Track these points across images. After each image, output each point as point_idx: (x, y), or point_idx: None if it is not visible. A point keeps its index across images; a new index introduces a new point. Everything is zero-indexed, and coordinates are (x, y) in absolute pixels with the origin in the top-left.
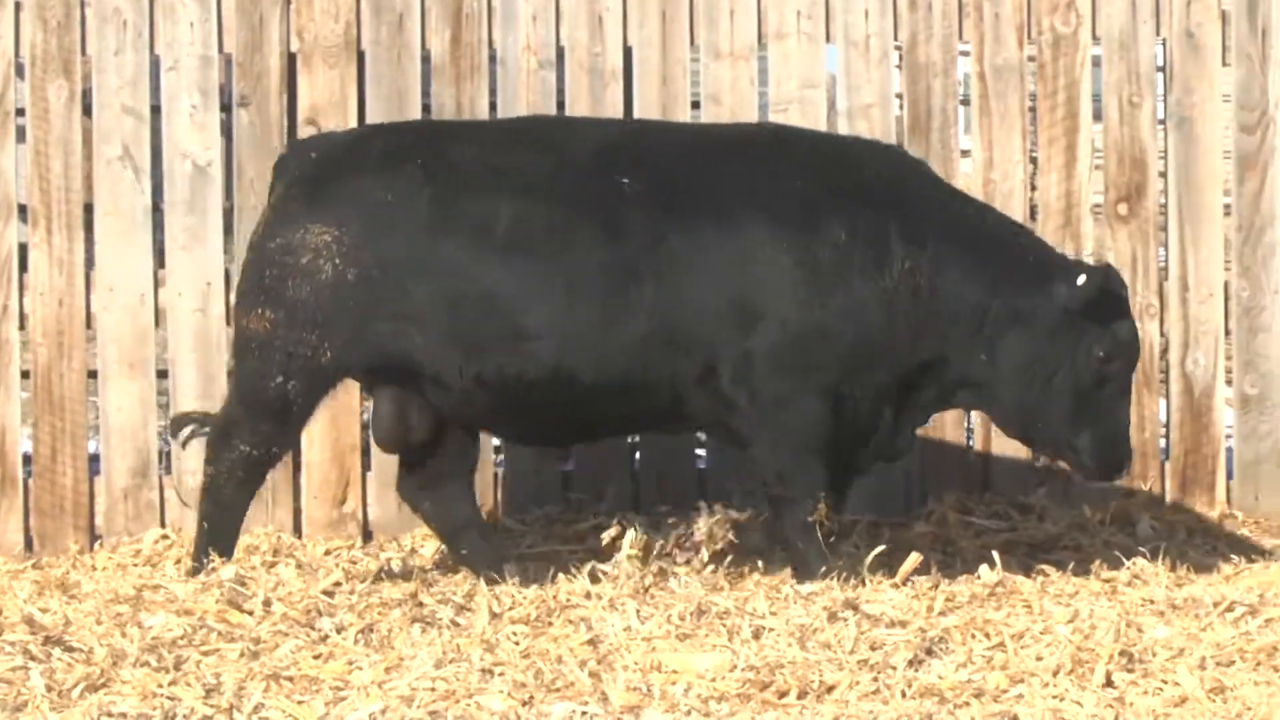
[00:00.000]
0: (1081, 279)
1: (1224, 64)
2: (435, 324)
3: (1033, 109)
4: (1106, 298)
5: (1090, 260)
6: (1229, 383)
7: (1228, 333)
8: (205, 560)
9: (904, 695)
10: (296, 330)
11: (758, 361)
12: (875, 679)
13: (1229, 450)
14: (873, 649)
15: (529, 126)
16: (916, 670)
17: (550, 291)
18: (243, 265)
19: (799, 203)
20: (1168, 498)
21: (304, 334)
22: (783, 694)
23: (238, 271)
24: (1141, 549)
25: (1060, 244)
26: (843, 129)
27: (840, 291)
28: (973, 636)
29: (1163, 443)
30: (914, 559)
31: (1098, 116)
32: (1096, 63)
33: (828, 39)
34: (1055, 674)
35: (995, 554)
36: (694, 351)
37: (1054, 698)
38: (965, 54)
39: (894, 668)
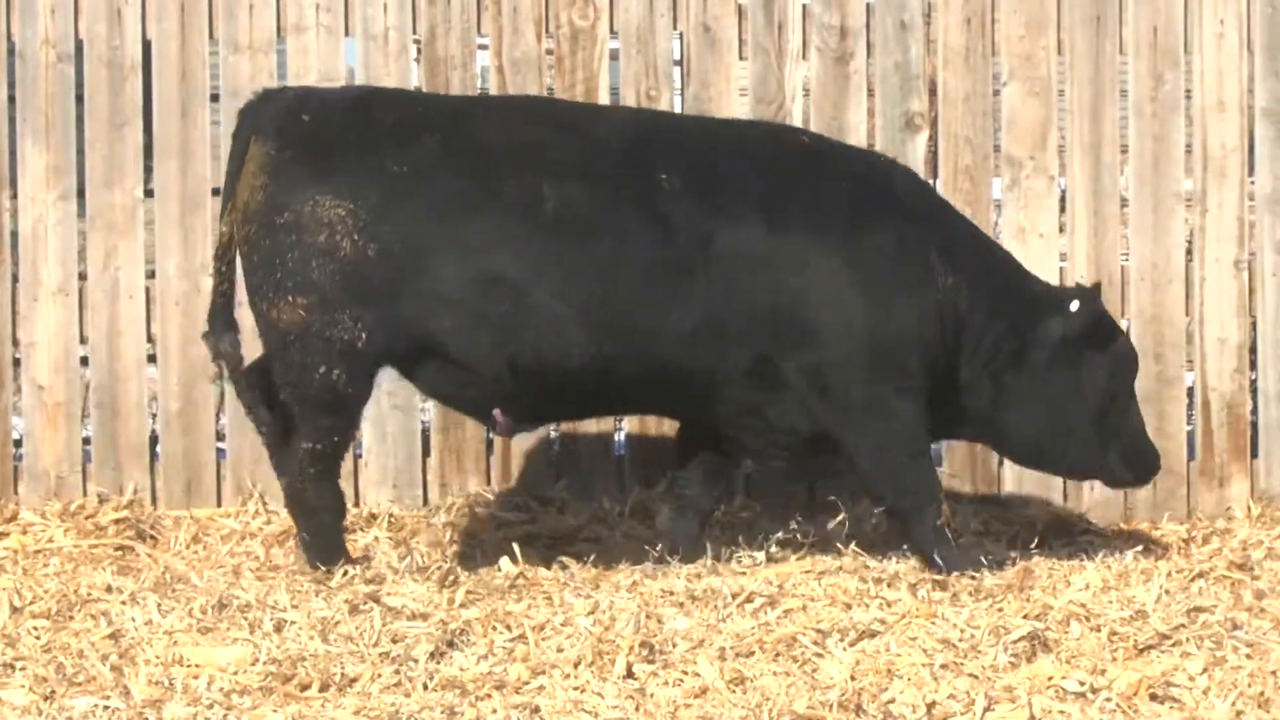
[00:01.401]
0: (1074, 304)
1: (741, 58)
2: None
3: None
4: (1100, 318)
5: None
6: None
7: None
8: (321, 569)
9: (426, 688)
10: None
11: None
12: (397, 671)
13: None
14: (394, 641)
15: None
16: (438, 662)
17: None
18: (243, 238)
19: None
20: None
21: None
22: (305, 687)
23: None
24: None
25: None
26: None
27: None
28: (494, 628)
29: None
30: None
31: None
32: (615, 56)
33: (347, 32)
34: (576, 665)
35: (516, 546)
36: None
37: (575, 689)
38: (484, 47)
39: (416, 660)
